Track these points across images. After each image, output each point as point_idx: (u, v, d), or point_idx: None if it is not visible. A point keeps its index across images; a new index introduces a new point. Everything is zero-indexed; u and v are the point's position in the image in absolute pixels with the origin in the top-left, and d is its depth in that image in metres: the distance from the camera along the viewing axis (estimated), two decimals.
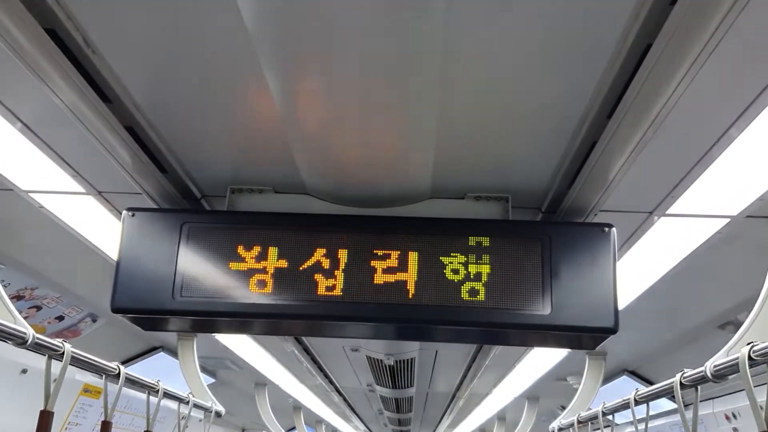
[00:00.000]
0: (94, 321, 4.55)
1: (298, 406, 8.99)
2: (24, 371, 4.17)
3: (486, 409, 8.63)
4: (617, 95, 1.94)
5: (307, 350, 5.82)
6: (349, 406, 9.97)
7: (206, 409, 4.65)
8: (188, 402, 4.28)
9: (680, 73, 1.74)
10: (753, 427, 3.74)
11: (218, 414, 4.70)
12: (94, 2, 1.73)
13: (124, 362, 5.42)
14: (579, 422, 4.25)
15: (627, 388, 5.07)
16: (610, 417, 3.78)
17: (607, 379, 5.67)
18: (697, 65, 1.70)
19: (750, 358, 2.17)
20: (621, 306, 3.49)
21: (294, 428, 9.57)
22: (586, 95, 1.99)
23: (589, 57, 1.83)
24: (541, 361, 5.53)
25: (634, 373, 5.57)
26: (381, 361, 5.58)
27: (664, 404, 5.28)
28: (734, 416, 4.55)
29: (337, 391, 8.12)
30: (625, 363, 5.48)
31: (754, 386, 2.22)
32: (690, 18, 1.59)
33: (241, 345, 5.54)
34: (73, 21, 1.74)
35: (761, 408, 2.09)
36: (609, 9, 1.66)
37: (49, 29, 1.78)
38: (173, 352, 5.66)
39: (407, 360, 5.61)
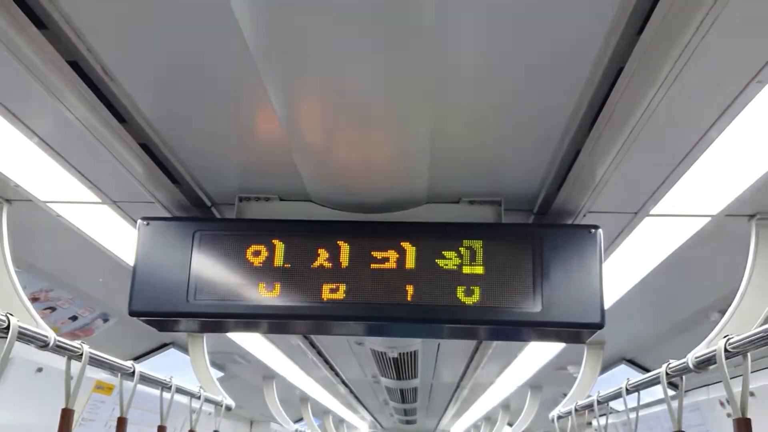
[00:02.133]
0: (105, 321, 4.72)
1: (305, 398, 9.21)
2: (39, 370, 4.33)
3: (490, 398, 8.83)
4: (598, 107, 2.07)
5: (312, 344, 6.00)
6: (355, 397, 10.18)
7: (217, 403, 4.80)
8: (200, 397, 4.41)
9: (654, 88, 1.87)
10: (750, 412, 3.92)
11: (228, 408, 4.88)
12: (113, 35, 1.88)
13: (136, 359, 5.57)
14: (576, 410, 4.42)
15: (626, 376, 5.26)
16: (613, 405, 3.93)
17: (607, 367, 5.86)
18: (668, 82, 1.83)
19: (726, 350, 2.32)
20: (614, 298, 3.87)
21: (302, 419, 9.77)
22: (569, 107, 2.13)
23: (571, 74, 1.98)
24: (541, 351, 5.72)
25: (632, 362, 5.74)
26: (385, 353, 5.77)
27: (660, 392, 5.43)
28: (728, 402, 4.72)
29: (343, 382, 8.33)
30: (623, 352, 5.66)
31: (733, 378, 2.40)
32: (658, 42, 1.70)
33: (249, 340, 5.73)
34: (93, 54, 1.92)
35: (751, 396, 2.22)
36: (584, 36, 1.83)
37: (72, 61, 1.96)
38: (184, 348, 5.84)
39: (410, 353, 5.80)
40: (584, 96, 2.05)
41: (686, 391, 5.24)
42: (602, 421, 3.88)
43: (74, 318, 4.46)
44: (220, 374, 6.80)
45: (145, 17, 1.77)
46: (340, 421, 13.51)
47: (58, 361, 3.05)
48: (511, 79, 1.98)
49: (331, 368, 7.29)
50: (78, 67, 1.96)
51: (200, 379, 4.96)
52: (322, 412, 11.49)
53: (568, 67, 1.91)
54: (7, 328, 2.44)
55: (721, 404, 4.83)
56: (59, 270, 3.88)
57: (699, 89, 1.98)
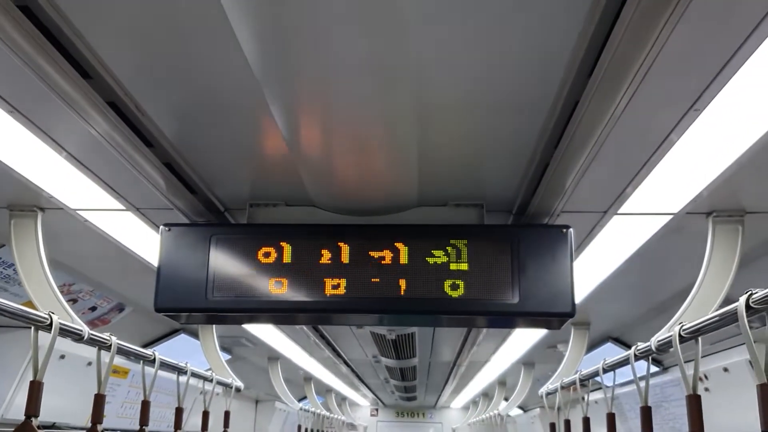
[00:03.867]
0: (120, 311, 5.05)
1: (308, 378, 9.57)
2: (62, 357, 4.67)
3: (486, 375, 9.18)
4: (566, 117, 2.22)
5: (316, 328, 6.29)
6: (357, 376, 10.52)
7: (227, 386, 5.11)
8: (212, 380, 4.70)
9: (619, 93, 1.95)
10: (722, 387, 4.26)
11: (238, 389, 5.22)
12: (143, 78, 2.12)
13: (148, 345, 5.90)
14: (562, 387, 4.76)
15: (613, 354, 5.60)
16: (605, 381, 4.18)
17: (595, 345, 6.15)
18: (630, 91, 1.92)
19: (680, 335, 2.63)
20: (594, 284, 4.22)
21: (305, 398, 10.15)
22: (542, 116, 2.29)
23: (539, 94, 2.13)
24: (532, 330, 5.97)
25: (618, 340, 6.02)
26: (384, 336, 6.08)
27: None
28: (706, 377, 5.10)
29: (345, 362, 8.64)
30: (609, 331, 5.95)
31: (688, 361, 2.66)
32: (623, 52, 1.79)
33: (255, 325, 6.01)
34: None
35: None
36: (546, 60, 1.95)
37: (110, 102, 2.20)
38: (193, 334, 6.11)
39: (408, 334, 6.10)
40: (553, 111, 2.22)
41: (669, 367, 5.60)
42: (592, 397, 4.20)
43: (93, 308, 4.81)
44: (228, 357, 7.10)
45: (169, 58, 1.99)
46: (342, 399, 13.90)
47: (76, 348, 3.27)
48: (489, 93, 2.16)
49: (333, 349, 7.56)
50: (115, 106, 2.24)
51: (211, 364, 5.27)
52: (324, 391, 11.87)
53: (542, 80, 2.07)
54: (50, 324, 2.73)
55: (700, 379, 5.17)
56: (82, 266, 4.19)
57: (659, 97, 2.10)
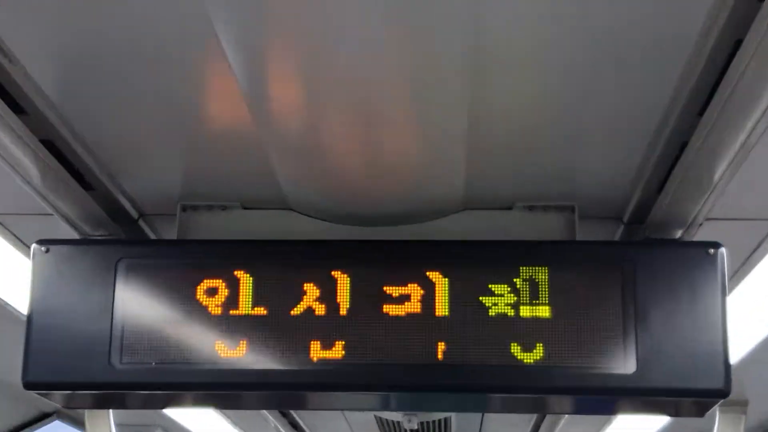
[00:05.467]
0: None
1: None
2: None
3: None
4: (720, 67, 1.87)
5: (284, 412, 5.50)
6: None
7: None
8: None
9: None
10: None
11: None
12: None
13: None
14: None
15: None
16: None
17: None
18: None
19: None
20: (756, 340, 3.48)
21: None
22: (673, 73, 1.91)
23: (676, 28, 1.80)
24: (643, 419, 5.22)
25: None
26: (398, 424, 5.32)
27: None
28: None
29: None
30: None
31: None
32: None
33: (189, 412, 5.21)
34: None
35: None
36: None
37: None
38: (74, 421, 5.39)
39: (438, 422, 5.31)
40: (701, 48, 1.84)
41: None
42: None
43: None
44: None
45: None
46: None
47: None
48: (588, 33, 1.81)
49: None
50: None
51: None
52: None
53: (669, 39, 1.80)
54: None
55: None
56: None
57: None
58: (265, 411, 5.18)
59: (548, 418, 5.47)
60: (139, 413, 5.25)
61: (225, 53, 1.85)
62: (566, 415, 5.10)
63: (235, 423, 5.82)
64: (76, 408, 2.60)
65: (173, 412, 5.19)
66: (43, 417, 5.45)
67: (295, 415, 5.67)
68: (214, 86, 2.13)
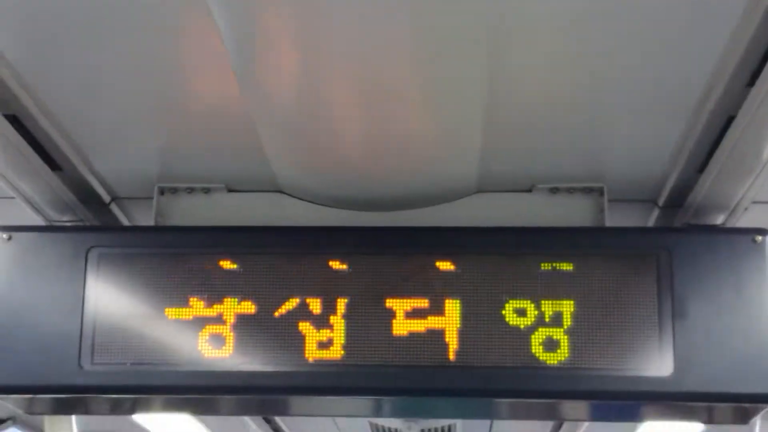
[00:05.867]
0: None
1: None
2: None
3: None
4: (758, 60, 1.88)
5: (268, 419, 5.32)
6: None
7: None
8: None
9: None
10: None
11: None
12: None
13: None
14: None
15: None
16: None
17: None
18: None
19: None
20: None
21: None
22: (721, 36, 1.80)
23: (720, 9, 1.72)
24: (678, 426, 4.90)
25: None
26: (397, 431, 5.11)
27: None
28: None
29: None
30: None
31: None
32: None
33: (161, 418, 4.96)
34: None
35: None
36: None
37: None
38: (32, 428, 5.25)
39: (442, 429, 5.13)
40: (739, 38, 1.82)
41: None
42: None
43: None
44: None
45: None
46: None
47: None
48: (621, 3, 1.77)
49: None
50: None
51: None
52: None
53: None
54: None
55: None
56: None
57: None
58: (250, 419, 5.12)
59: (566, 423, 5.39)
60: (106, 419, 5.11)
61: (210, 11, 1.74)
62: (584, 426, 5.07)
63: (211, 428, 5.62)
64: (40, 414, 2.57)
65: (144, 419, 4.91)
66: None
67: (279, 422, 5.53)
68: (198, 50, 2.02)
